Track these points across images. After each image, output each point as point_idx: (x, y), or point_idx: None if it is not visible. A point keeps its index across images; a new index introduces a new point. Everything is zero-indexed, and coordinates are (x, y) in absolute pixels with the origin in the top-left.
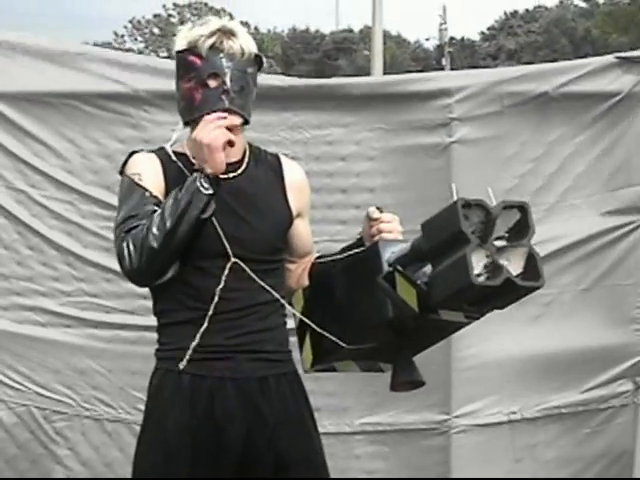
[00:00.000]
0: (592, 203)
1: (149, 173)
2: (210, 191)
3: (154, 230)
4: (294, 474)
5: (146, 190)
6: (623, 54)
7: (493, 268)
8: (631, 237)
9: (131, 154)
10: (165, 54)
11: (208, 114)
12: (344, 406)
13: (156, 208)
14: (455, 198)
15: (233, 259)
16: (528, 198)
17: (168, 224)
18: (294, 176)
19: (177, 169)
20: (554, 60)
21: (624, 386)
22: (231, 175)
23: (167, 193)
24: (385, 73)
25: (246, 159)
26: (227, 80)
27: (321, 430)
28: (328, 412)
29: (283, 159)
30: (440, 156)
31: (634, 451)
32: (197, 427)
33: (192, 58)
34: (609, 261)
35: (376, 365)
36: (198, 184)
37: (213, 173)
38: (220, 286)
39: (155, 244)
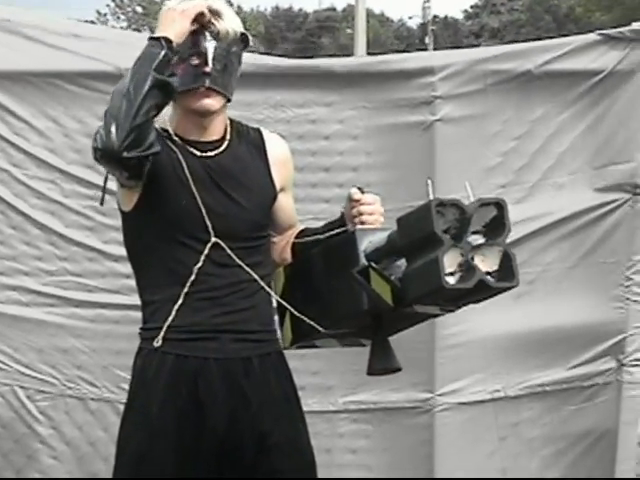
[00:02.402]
0: (576, 181)
1: None
2: (163, 51)
3: (115, 97)
4: (278, 455)
5: None
6: (606, 32)
7: (467, 267)
8: (615, 215)
9: None
10: (148, 33)
11: (188, 91)
12: (328, 385)
13: None
14: (431, 195)
15: (214, 239)
16: (511, 176)
17: (127, 86)
18: (277, 150)
19: (162, 144)
20: (537, 38)
21: (607, 364)
22: (214, 153)
23: (148, 170)
24: (368, 52)
25: (228, 136)
26: (209, 59)
27: (305, 409)
28: (312, 391)
29: (265, 133)
30: (423, 134)
31: (617, 428)
32: (181, 407)
33: None
34: (593, 239)
35: (357, 341)
36: (151, 42)
37: (171, 39)
38: (198, 265)
39: (120, 108)
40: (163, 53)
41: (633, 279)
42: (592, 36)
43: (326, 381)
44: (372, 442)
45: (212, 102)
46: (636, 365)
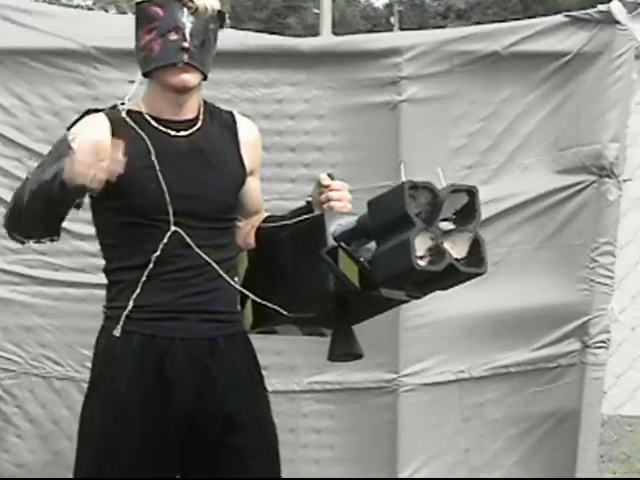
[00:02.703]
0: (541, 163)
1: (89, 138)
2: (62, 191)
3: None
4: (244, 435)
5: (72, 149)
6: (573, 13)
7: (437, 252)
8: (580, 197)
9: (84, 114)
10: (114, 11)
11: (166, 67)
12: (293, 364)
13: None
14: (403, 178)
15: (173, 227)
16: (477, 157)
17: (25, 199)
18: (249, 133)
19: (130, 128)
20: (504, 19)
21: (572, 345)
22: (188, 132)
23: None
24: (334, 31)
25: (201, 116)
26: (187, 34)
27: (269, 388)
28: (277, 370)
29: (238, 116)
30: (389, 115)
31: (581, 409)
32: (147, 387)
33: (154, 9)
34: (558, 221)
35: (318, 329)
36: (60, 178)
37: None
38: (158, 251)
39: (16, 206)
40: (59, 194)
41: (598, 261)
42: (559, 18)
43: (290, 361)
44: (336, 422)
45: (190, 77)
46: (600, 347)
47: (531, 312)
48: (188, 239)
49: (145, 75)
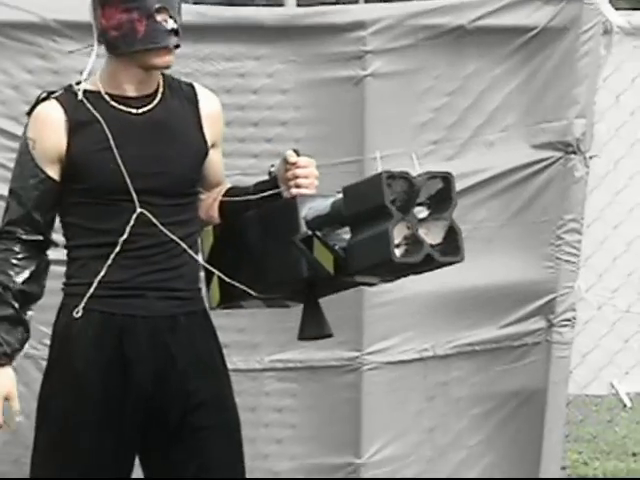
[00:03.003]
0: (507, 139)
1: (46, 136)
2: None
3: None
4: (204, 413)
5: (34, 161)
6: None
7: (413, 241)
8: (546, 173)
9: (36, 103)
10: None
11: (151, 49)
12: (254, 342)
13: (40, 185)
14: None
15: (139, 209)
16: (443, 132)
17: None
18: (210, 106)
19: (86, 110)
20: None
21: (537, 324)
22: (148, 107)
23: (70, 145)
24: (298, 3)
25: (161, 89)
26: (174, 14)
27: (230, 367)
28: (238, 348)
29: (198, 88)
30: (354, 90)
31: (546, 389)
32: (106, 364)
33: None
34: (524, 198)
35: (282, 302)
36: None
37: None
38: (125, 234)
39: None
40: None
41: (564, 238)
42: None
43: (252, 339)
44: (298, 401)
45: (172, 58)
46: (565, 325)
47: (496, 290)
48: (154, 219)
49: (111, 53)
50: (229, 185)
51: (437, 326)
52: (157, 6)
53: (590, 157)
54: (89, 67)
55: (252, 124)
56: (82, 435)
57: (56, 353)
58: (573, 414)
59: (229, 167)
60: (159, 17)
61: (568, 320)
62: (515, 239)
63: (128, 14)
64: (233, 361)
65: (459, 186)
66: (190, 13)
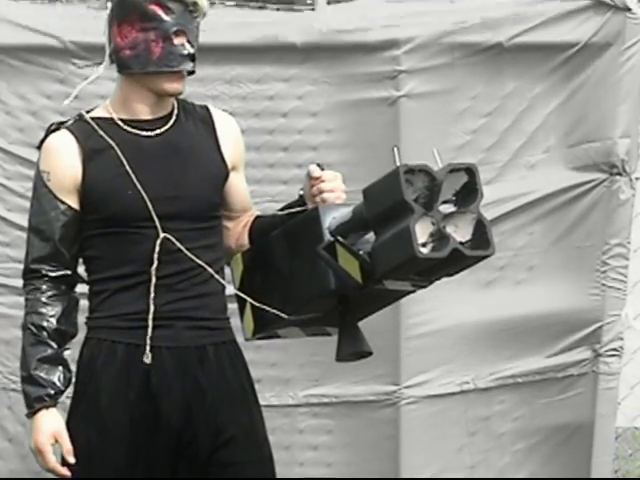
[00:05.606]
0: (549, 160)
1: (61, 167)
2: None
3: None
4: (234, 448)
5: (52, 193)
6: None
7: (439, 237)
8: (590, 196)
9: (47, 134)
10: (96, 5)
11: (163, 72)
12: (287, 377)
13: (62, 216)
14: (398, 163)
15: (162, 234)
16: (481, 155)
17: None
18: (227, 127)
19: (99, 137)
20: None
21: (583, 354)
22: (162, 129)
23: (85, 174)
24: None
25: (175, 111)
26: (192, 39)
27: (262, 402)
28: (270, 383)
29: (213, 110)
30: (387, 111)
31: (593, 422)
32: (133, 400)
33: (152, 7)
34: (567, 222)
35: (322, 329)
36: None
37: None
38: (155, 263)
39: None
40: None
41: (609, 264)
42: (566, 4)
43: (285, 373)
44: (334, 438)
45: (182, 86)
46: (613, 355)
47: (539, 319)
48: (178, 244)
49: (122, 72)
50: (258, 213)
51: (478, 358)
52: (175, 29)
53: (636, 178)
54: (90, 79)
55: (282, 149)
56: (109, 475)
57: (80, 388)
58: (622, 448)
59: (258, 194)
60: (176, 40)
61: (615, 350)
62: (558, 266)
63: (145, 34)
64: (265, 397)
65: (499, 211)
66: (215, 34)
